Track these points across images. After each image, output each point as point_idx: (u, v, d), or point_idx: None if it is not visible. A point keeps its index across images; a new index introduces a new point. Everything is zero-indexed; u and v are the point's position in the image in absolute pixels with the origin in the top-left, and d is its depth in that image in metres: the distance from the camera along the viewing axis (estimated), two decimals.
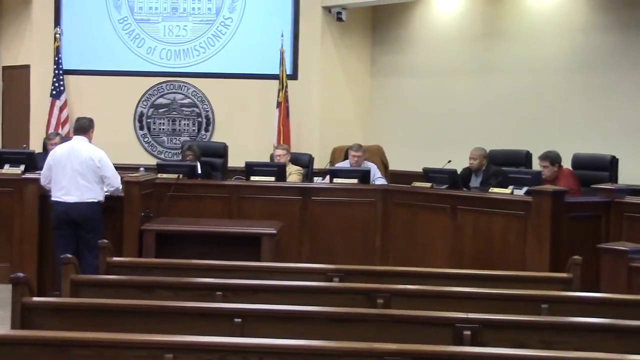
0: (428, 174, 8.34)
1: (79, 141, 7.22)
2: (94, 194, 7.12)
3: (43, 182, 7.30)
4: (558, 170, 7.98)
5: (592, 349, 3.89)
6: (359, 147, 9.26)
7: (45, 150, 9.54)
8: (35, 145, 10.38)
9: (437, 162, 8.73)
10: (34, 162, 8.46)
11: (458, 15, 10.94)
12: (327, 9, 11.31)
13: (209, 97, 11.42)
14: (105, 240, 5.65)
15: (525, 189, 7.35)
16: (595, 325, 4.15)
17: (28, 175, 7.75)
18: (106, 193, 7.24)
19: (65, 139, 8.84)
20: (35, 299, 4.31)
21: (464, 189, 8.32)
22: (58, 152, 7.25)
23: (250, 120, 11.31)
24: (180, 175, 8.38)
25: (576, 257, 5.29)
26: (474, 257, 7.49)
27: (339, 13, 11.26)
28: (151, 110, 11.46)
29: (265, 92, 11.17)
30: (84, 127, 7.29)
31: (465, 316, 4.07)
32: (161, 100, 11.48)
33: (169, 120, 11.49)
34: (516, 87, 10.26)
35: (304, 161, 9.68)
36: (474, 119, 10.64)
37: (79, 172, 7.07)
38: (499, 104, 10.41)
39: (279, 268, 5.75)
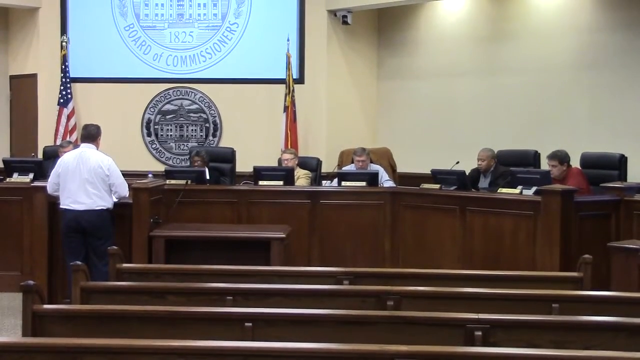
0: (436, 176, 8.33)
1: (87, 149, 7.22)
2: (103, 202, 7.13)
3: (51, 189, 7.29)
4: (567, 170, 7.96)
5: (603, 348, 3.89)
6: (362, 151, 9.23)
7: (48, 159, 9.56)
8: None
9: (445, 164, 8.72)
10: (43, 170, 8.48)
11: (464, 16, 10.94)
12: (333, 13, 11.32)
13: (216, 103, 11.44)
14: (115, 247, 5.66)
15: (534, 188, 7.35)
16: (607, 324, 4.13)
17: (37, 184, 7.76)
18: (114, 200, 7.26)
19: (75, 146, 8.87)
20: (46, 306, 4.31)
21: (473, 190, 8.32)
22: (66, 159, 7.24)
23: (257, 124, 11.32)
24: (189, 181, 8.39)
25: (586, 256, 5.27)
26: (483, 257, 7.49)
27: (344, 16, 11.26)
28: (158, 116, 11.49)
29: (272, 97, 11.18)
30: (93, 135, 7.30)
31: (476, 317, 4.07)
32: (168, 107, 11.50)
33: (176, 127, 11.51)
34: (523, 88, 10.25)
35: (312, 165, 9.67)
36: (482, 119, 10.63)
37: (87, 180, 7.07)
38: (506, 104, 10.40)
39: (289, 272, 5.74)
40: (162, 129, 11.50)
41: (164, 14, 11.50)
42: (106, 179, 7.11)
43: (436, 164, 8.76)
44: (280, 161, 9.59)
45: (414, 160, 10.84)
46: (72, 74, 11.21)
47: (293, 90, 10.93)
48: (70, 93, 11.14)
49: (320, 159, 9.92)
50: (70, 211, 7.09)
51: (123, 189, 7.21)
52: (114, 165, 7.20)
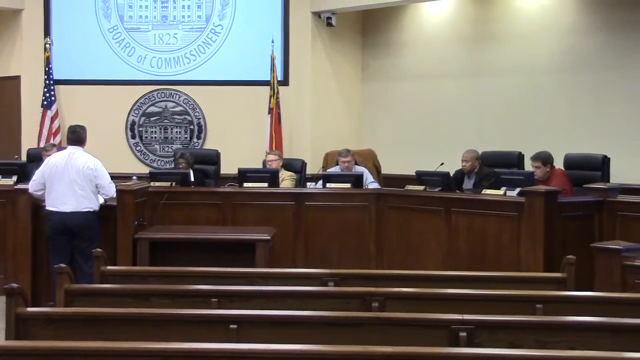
0: (421, 177, 8.34)
1: (75, 150, 7.22)
2: (90, 203, 7.13)
3: (34, 188, 7.24)
4: (550, 171, 8.00)
5: (588, 348, 3.90)
6: (347, 152, 9.24)
7: (31, 162, 9.51)
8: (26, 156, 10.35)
9: (430, 165, 8.73)
10: (26, 173, 8.44)
11: (447, 18, 10.97)
12: (317, 14, 11.32)
13: (200, 105, 11.42)
14: (100, 249, 5.64)
15: (517, 190, 7.36)
16: (590, 324, 4.15)
17: (20, 186, 7.72)
18: (100, 202, 7.25)
19: (59, 148, 8.83)
20: (30, 309, 4.29)
21: (457, 191, 8.33)
22: (54, 160, 7.23)
23: (242, 126, 11.31)
24: (173, 183, 8.38)
25: (570, 256, 5.30)
26: (468, 258, 7.50)
27: (328, 18, 11.27)
28: (143, 118, 11.45)
29: (257, 99, 11.16)
30: (81, 137, 7.31)
31: (461, 317, 4.08)
32: (153, 109, 11.47)
33: (160, 129, 11.48)
34: (507, 89, 10.29)
35: (297, 167, 9.67)
36: (466, 121, 10.66)
37: (76, 182, 7.07)
38: (490, 106, 10.44)
39: (274, 274, 5.74)
40: (146, 131, 11.47)
41: (148, 16, 11.47)
42: (94, 179, 7.13)
43: (420, 166, 8.76)
44: (264, 163, 9.59)
45: (399, 161, 10.85)
46: (56, 76, 11.16)
47: (277, 92, 10.92)
48: (54, 95, 11.09)
49: (305, 161, 9.92)
50: (57, 213, 7.07)
51: (110, 190, 7.21)
52: (101, 166, 7.22)
